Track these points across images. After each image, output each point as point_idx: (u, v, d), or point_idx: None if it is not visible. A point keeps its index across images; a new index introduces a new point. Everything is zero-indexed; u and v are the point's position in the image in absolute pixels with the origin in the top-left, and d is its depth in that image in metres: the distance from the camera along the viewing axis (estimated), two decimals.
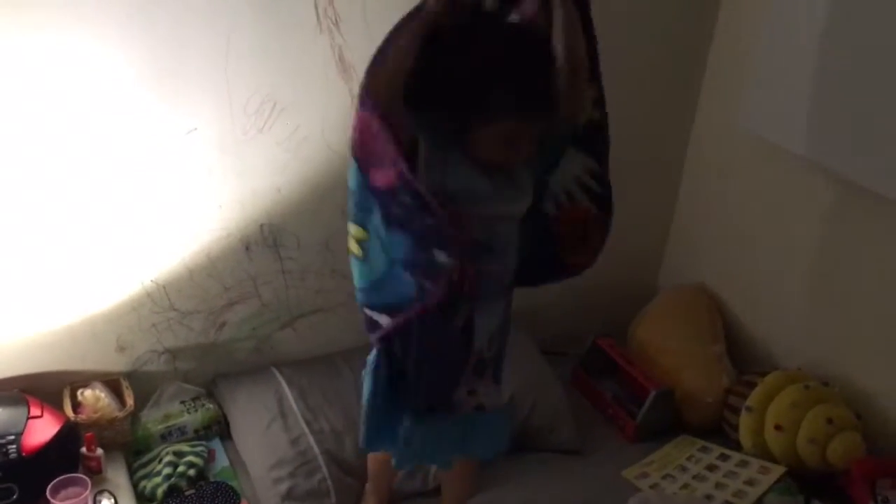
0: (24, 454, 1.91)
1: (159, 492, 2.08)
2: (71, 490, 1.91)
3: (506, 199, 1.68)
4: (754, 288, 2.61)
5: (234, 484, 2.16)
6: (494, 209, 1.67)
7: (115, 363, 2.26)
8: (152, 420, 2.25)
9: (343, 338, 2.47)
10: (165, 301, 2.23)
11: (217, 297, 2.29)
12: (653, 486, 2.23)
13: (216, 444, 2.30)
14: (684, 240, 2.87)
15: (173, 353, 2.32)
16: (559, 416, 2.42)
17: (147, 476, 2.14)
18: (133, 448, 2.22)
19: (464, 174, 1.61)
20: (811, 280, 2.39)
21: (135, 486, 2.12)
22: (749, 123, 2.41)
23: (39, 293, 2.08)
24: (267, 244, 2.29)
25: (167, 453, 2.16)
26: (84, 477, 1.92)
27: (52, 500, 1.85)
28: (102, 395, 2.12)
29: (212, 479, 2.17)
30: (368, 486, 2.13)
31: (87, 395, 2.11)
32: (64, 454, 2.01)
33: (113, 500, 2.00)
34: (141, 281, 2.17)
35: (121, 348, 2.24)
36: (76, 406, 2.14)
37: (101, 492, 2.01)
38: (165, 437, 2.25)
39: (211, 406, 2.33)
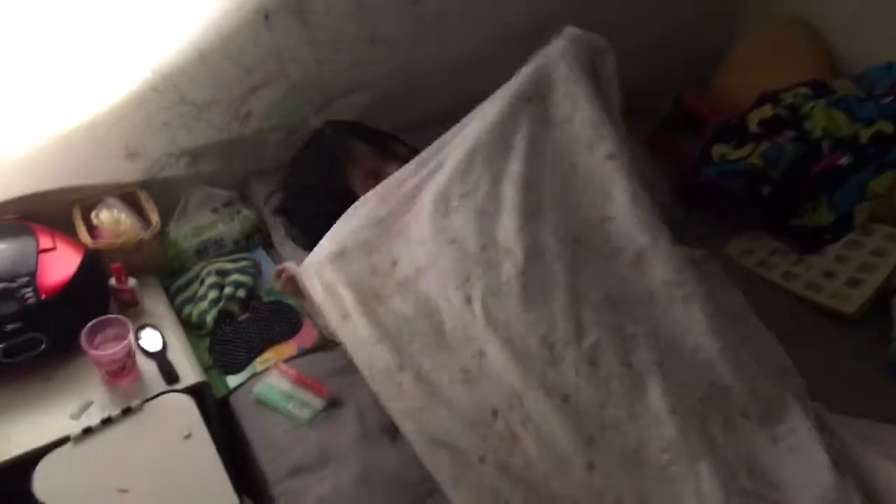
0: (43, 297, 1.59)
1: (208, 318, 1.80)
2: (109, 332, 1.62)
3: None
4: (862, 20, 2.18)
5: (290, 301, 1.87)
6: None
7: (127, 172, 1.88)
8: (182, 235, 1.92)
9: (385, 117, 2.08)
10: (175, 94, 1.80)
11: (236, 83, 1.87)
12: (761, 264, 1.97)
13: (260, 256, 1.99)
14: None
15: (193, 155, 1.93)
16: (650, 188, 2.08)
17: (190, 300, 1.85)
18: (166, 269, 1.91)
19: None
20: None
21: (177, 312, 1.83)
22: None
23: (26, 101, 1.66)
24: (289, 10, 1.83)
25: (208, 273, 1.86)
26: (122, 318, 1.61)
27: (89, 350, 1.56)
28: (122, 216, 1.77)
29: (264, 299, 1.88)
30: None
31: (104, 217, 1.76)
32: (91, 291, 1.70)
33: (158, 334, 1.72)
34: (142, 73, 1.74)
35: (131, 154, 1.85)
36: (91, 230, 1.79)
37: (142, 327, 1.73)
38: (200, 253, 1.93)
39: (247, 212, 1.99)
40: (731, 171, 2.04)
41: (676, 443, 1.38)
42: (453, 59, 2.09)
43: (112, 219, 1.74)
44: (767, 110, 2.06)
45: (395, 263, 1.66)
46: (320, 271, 1.66)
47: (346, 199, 1.74)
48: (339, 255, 1.67)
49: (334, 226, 1.70)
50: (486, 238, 1.59)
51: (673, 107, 2.28)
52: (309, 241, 1.79)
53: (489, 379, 1.51)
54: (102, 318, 1.61)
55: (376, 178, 1.75)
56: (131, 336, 1.59)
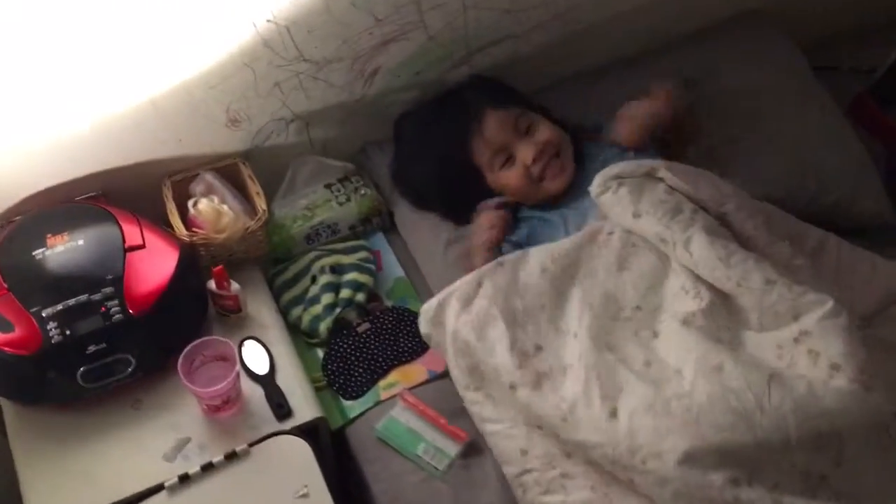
0: (131, 312, 1.30)
1: (322, 327, 1.49)
2: (208, 353, 1.33)
3: None
4: None
5: (415, 307, 1.56)
6: None
7: (227, 142, 1.54)
8: (290, 216, 1.59)
9: (528, 74, 1.69)
10: (291, 49, 1.43)
11: (365, 36, 1.48)
12: None
13: (380, 243, 1.66)
14: None
15: (306, 120, 1.58)
16: (856, 175, 1.68)
17: (299, 301, 1.54)
18: (269, 255, 1.59)
19: None
20: None
21: (283, 312, 1.53)
22: None
23: (109, 59, 1.31)
24: None
25: (321, 270, 1.54)
26: (226, 341, 1.31)
27: (187, 385, 1.27)
28: (224, 206, 1.44)
29: (386, 302, 1.57)
30: None
31: (203, 207, 1.43)
32: (187, 298, 1.40)
33: (265, 351, 1.42)
34: (253, 22, 1.36)
35: (233, 121, 1.50)
36: (184, 216, 1.47)
37: (244, 339, 1.42)
38: (311, 238, 1.60)
39: (367, 190, 1.64)
40: None
41: None
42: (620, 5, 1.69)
43: (213, 210, 1.41)
44: None
45: (539, 349, 1.29)
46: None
47: (468, 176, 1.53)
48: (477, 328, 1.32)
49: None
50: (651, 354, 1.25)
51: (890, 69, 1.83)
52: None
53: None
54: (202, 340, 1.31)
55: (508, 158, 1.51)
56: (238, 368, 1.30)
